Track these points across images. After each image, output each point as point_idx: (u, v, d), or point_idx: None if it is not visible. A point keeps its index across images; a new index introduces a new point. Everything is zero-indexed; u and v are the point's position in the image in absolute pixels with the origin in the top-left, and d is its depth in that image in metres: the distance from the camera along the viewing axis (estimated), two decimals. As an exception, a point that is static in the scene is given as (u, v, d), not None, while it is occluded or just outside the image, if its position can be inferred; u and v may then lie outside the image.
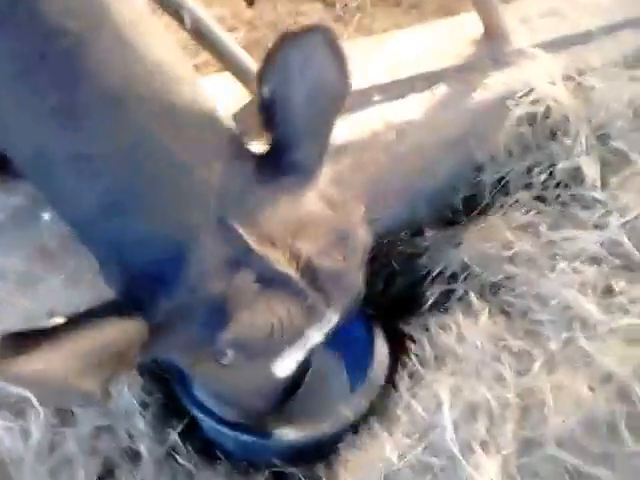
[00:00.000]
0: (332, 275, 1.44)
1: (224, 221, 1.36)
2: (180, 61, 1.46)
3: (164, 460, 2.17)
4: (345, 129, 2.11)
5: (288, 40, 1.40)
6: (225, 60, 1.98)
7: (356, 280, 1.55)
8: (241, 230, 1.35)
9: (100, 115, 1.34)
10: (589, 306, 1.93)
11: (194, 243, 1.37)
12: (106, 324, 1.33)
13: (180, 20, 1.80)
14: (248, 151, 1.53)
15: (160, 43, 1.41)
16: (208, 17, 1.88)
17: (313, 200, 1.47)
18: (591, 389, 1.82)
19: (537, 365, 1.91)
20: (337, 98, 1.49)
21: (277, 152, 1.49)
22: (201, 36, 1.90)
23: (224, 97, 2.10)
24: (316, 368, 1.85)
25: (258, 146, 1.80)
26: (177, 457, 2.17)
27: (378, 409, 2.10)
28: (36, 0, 1.26)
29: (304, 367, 1.71)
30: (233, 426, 2.01)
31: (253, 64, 1.97)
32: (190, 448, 2.20)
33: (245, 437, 2.01)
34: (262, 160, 1.49)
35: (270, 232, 1.39)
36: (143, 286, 1.40)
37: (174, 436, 2.17)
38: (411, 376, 2.07)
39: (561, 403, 1.84)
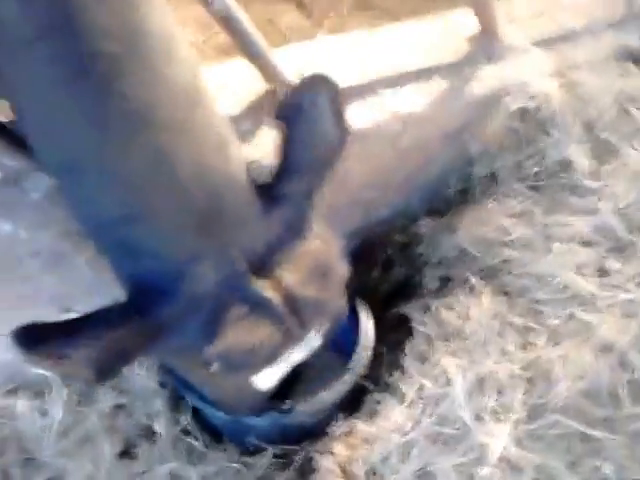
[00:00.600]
0: (311, 303, 1.61)
1: (225, 249, 1.53)
2: (201, 86, 1.56)
3: (178, 439, 2.27)
4: (351, 120, 2.23)
5: (302, 88, 1.59)
6: (245, 47, 2.09)
7: (335, 307, 1.72)
8: (237, 258, 1.52)
9: (128, 132, 1.43)
10: (586, 284, 2.09)
11: (196, 263, 1.52)
12: (112, 324, 1.49)
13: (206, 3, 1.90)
14: (253, 180, 1.66)
15: (185, 70, 1.51)
16: (234, 3, 1.97)
17: (302, 234, 1.64)
18: (593, 359, 1.97)
19: (542, 339, 2.06)
20: (336, 147, 1.66)
21: (278, 182, 1.65)
22: (225, 21, 2.00)
23: (241, 83, 2.23)
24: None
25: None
26: (190, 437, 2.28)
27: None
28: (81, 17, 1.34)
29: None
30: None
31: (271, 52, 2.08)
32: (201, 429, 2.30)
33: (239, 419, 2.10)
34: (264, 189, 1.65)
35: (262, 262, 1.57)
36: (146, 293, 1.54)
37: (187, 417, 2.28)
38: (419, 355, 2.20)
39: (565, 373, 1.99)
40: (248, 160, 2.01)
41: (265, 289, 1.55)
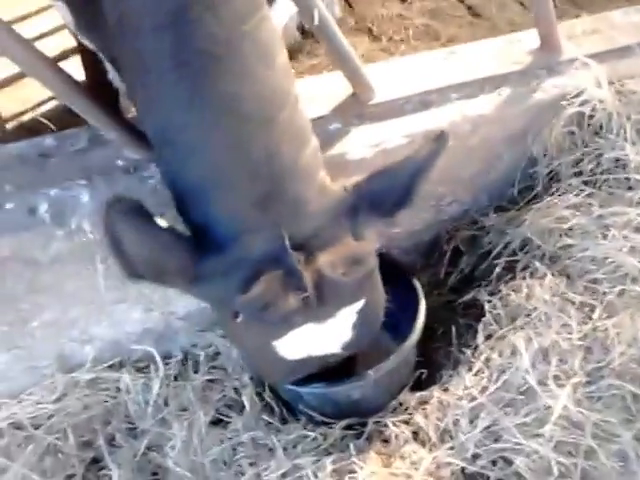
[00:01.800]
0: (334, 282, 1.79)
1: (277, 226, 1.75)
2: (291, 90, 1.83)
3: (262, 411, 2.46)
4: (428, 121, 2.48)
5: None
6: (339, 56, 2.34)
7: (352, 289, 1.88)
8: (285, 237, 1.74)
9: (218, 114, 1.72)
10: (638, 264, 2.27)
11: (251, 233, 1.77)
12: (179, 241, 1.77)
13: (309, 18, 2.17)
14: (324, 175, 1.91)
15: (279, 75, 1.79)
16: (331, 18, 2.23)
17: (349, 234, 1.86)
18: (646, 326, 2.15)
19: (597, 311, 2.24)
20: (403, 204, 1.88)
21: (349, 194, 1.88)
22: (322, 33, 2.26)
23: (334, 89, 2.50)
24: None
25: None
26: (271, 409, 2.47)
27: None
28: (187, 22, 1.65)
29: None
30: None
31: (360, 62, 2.35)
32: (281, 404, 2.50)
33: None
34: (331, 186, 1.89)
35: (305, 243, 1.79)
36: (206, 244, 1.79)
37: (269, 392, 2.48)
38: (487, 333, 2.38)
39: (620, 340, 2.17)
40: (329, 154, 2.29)
41: (298, 262, 1.75)
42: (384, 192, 1.87)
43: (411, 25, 4.18)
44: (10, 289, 2.21)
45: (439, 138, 1.88)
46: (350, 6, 4.40)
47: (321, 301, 1.80)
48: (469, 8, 4.36)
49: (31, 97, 3.47)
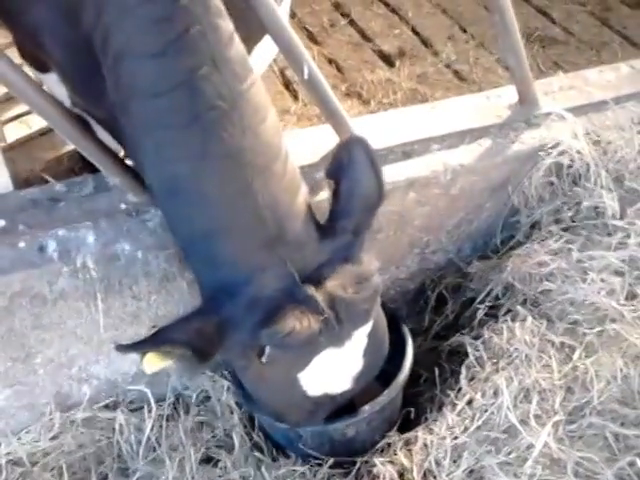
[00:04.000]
0: (346, 301, 1.88)
1: (285, 264, 1.83)
2: (281, 143, 1.90)
3: (251, 450, 2.44)
4: (410, 169, 2.48)
5: (348, 144, 1.94)
6: (325, 107, 2.35)
7: (364, 308, 1.95)
8: (294, 273, 1.83)
9: (222, 167, 1.80)
10: (618, 306, 2.24)
11: (261, 273, 1.84)
12: (191, 322, 1.82)
13: (299, 72, 2.20)
14: (314, 216, 1.98)
15: (271, 130, 1.86)
16: (320, 73, 2.25)
17: (347, 259, 1.93)
18: (625, 365, 2.11)
19: (578, 352, 2.20)
20: (375, 196, 1.96)
21: (331, 221, 1.96)
22: (312, 88, 2.28)
23: (321, 139, 2.52)
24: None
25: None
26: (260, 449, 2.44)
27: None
28: (199, 81, 1.73)
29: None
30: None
31: (345, 113, 2.37)
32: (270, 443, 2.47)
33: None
34: (323, 225, 1.97)
35: (311, 274, 1.87)
36: (218, 296, 1.86)
37: (258, 432, 2.47)
38: (470, 375, 2.34)
39: (600, 379, 2.13)
40: (317, 199, 2.31)
41: (312, 290, 1.84)
42: (358, 209, 1.94)
43: (399, 89, 4.22)
44: (17, 324, 2.24)
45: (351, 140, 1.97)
46: (341, 72, 4.44)
47: (339, 321, 1.87)
48: (455, 72, 4.40)
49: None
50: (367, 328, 1.99)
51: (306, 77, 2.18)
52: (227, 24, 1.79)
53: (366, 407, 2.20)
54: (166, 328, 1.82)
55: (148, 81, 1.75)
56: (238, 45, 1.82)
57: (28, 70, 2.23)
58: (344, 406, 2.16)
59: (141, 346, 1.82)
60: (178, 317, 1.86)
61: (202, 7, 1.72)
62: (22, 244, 2.22)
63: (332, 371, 1.98)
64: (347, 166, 1.93)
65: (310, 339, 1.84)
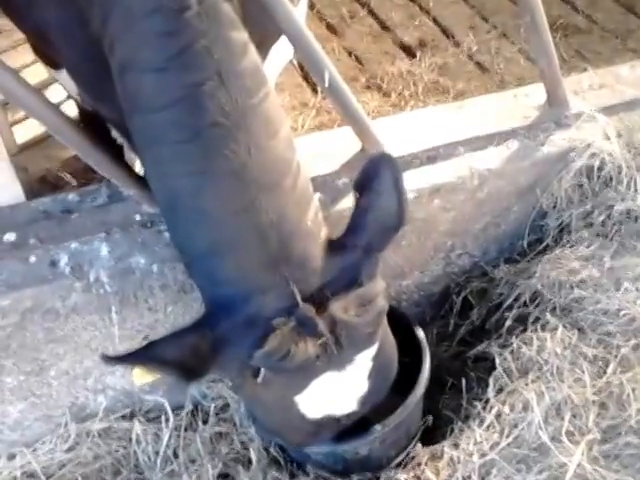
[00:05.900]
0: (347, 324, 1.73)
1: (288, 285, 1.71)
2: (293, 158, 1.78)
3: (269, 464, 2.32)
4: (437, 174, 2.34)
5: (375, 161, 1.78)
6: (347, 115, 2.22)
7: (367, 331, 1.81)
8: (296, 293, 1.71)
9: (223, 184, 1.69)
10: (653, 317, 2.10)
11: (261, 293, 1.72)
12: (189, 335, 1.72)
13: (320, 78, 2.07)
14: (325, 230, 1.84)
15: (282, 145, 1.75)
16: (340, 78, 2.12)
17: (355, 280, 1.79)
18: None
19: (612, 366, 2.07)
20: (396, 217, 1.80)
21: (345, 237, 1.82)
22: (333, 93, 2.15)
23: (342, 146, 2.38)
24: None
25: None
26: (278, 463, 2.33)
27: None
28: (202, 97, 1.63)
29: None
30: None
31: (370, 122, 2.23)
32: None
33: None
34: (334, 241, 1.83)
35: (314, 294, 1.75)
36: (217, 312, 1.75)
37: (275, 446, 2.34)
38: (498, 387, 2.21)
39: (636, 396, 1.99)
40: (338, 208, 2.19)
41: (312, 312, 1.71)
42: (374, 227, 1.81)
43: (420, 81, 4.05)
44: (30, 339, 2.16)
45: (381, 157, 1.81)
46: (361, 64, 4.29)
47: (339, 345, 1.75)
48: (477, 63, 4.24)
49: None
50: (371, 351, 1.85)
51: (327, 85, 2.03)
52: (240, 35, 1.69)
53: (377, 427, 2.02)
54: (157, 342, 1.71)
55: (149, 95, 1.67)
56: (251, 56, 1.73)
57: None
58: (357, 422, 1.99)
59: (129, 360, 1.70)
60: (172, 330, 1.74)
61: (211, 20, 1.62)
62: (33, 258, 2.13)
63: (333, 394, 1.86)
64: (371, 182, 1.79)
65: (306, 363, 1.72)
